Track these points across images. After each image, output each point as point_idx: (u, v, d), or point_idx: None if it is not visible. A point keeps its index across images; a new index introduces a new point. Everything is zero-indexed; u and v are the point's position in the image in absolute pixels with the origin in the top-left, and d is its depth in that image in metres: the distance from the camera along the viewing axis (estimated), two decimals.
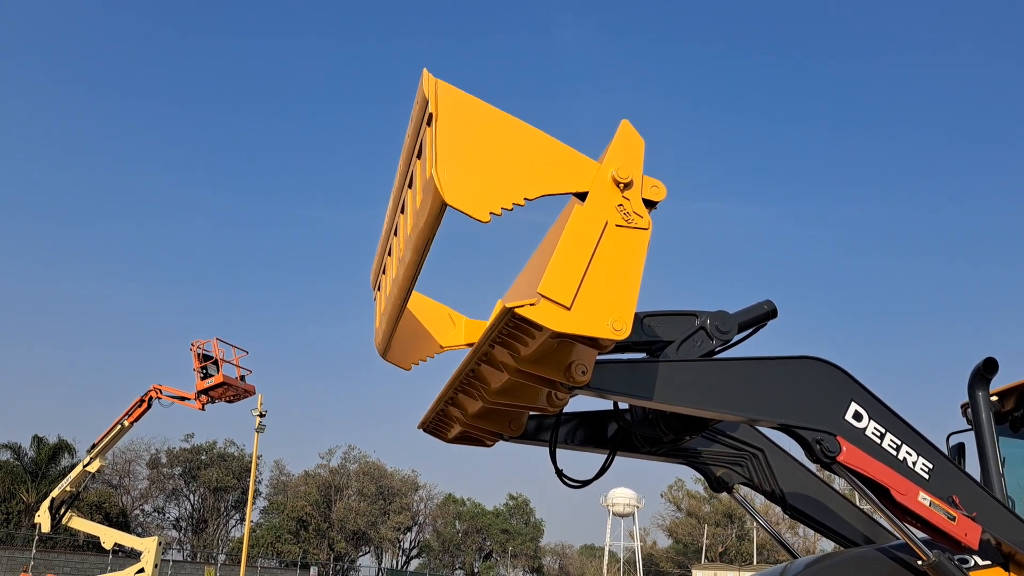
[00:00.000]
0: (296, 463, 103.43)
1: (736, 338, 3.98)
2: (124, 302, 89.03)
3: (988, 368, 5.15)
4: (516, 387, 3.58)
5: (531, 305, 3.06)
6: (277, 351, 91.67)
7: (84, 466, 24.32)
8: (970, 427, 5.45)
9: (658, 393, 3.56)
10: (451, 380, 3.82)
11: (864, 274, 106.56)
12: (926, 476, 3.99)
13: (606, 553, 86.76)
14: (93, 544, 30.45)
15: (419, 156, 3.38)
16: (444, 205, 3.03)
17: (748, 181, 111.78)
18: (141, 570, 23.52)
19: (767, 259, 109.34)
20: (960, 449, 5.90)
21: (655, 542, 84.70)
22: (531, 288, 3.30)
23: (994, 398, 5.60)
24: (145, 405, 23.98)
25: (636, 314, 3.72)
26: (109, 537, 24.86)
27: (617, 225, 3.28)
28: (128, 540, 25.57)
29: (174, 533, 59.97)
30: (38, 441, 44.76)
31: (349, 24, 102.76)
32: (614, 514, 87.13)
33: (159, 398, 24.04)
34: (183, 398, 24.11)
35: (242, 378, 24.41)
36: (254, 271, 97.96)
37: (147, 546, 23.95)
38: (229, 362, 24.30)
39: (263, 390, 37.34)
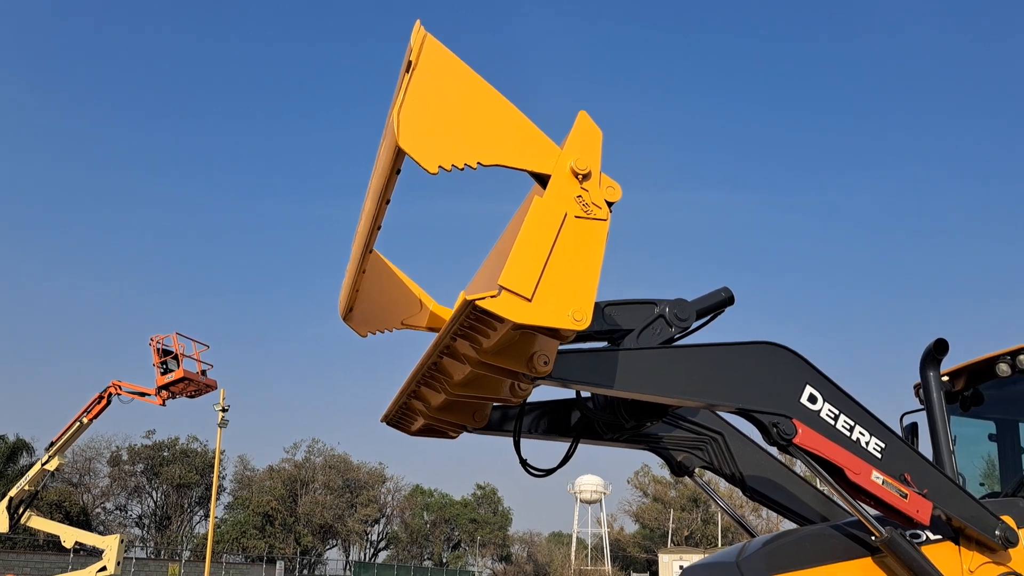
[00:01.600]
0: (260, 458, 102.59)
1: (695, 325, 4.05)
2: (82, 300, 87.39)
3: (939, 349, 5.30)
4: (479, 379, 3.61)
5: (492, 297, 3.09)
6: (238, 346, 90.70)
7: (43, 464, 23.88)
8: (923, 407, 5.60)
9: (619, 381, 3.62)
10: (413, 373, 3.84)
11: (840, 257, 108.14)
12: (879, 455, 4.10)
13: (574, 540, 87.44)
14: (54, 543, 29.98)
15: None
16: (399, 150, 3.05)
17: (724, 169, 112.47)
18: (103, 568, 23.21)
19: (743, 245, 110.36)
20: (913, 428, 6.05)
21: (622, 528, 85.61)
22: (492, 280, 3.30)
23: (945, 378, 5.75)
24: (104, 402, 23.60)
25: (596, 304, 3.75)
26: (69, 536, 24.46)
27: (576, 216, 3.30)
28: (89, 538, 25.19)
29: (137, 531, 59.26)
30: None
31: (323, 21, 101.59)
32: (581, 501, 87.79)
33: (119, 394, 23.68)
34: (143, 394, 23.79)
35: (203, 373, 24.15)
36: (212, 267, 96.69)
37: (109, 544, 23.60)
38: (190, 357, 24.03)
39: (225, 385, 37.02)
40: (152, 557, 49.46)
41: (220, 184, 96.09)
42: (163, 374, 23.43)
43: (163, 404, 23.76)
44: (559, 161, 3.34)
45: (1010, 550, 4.46)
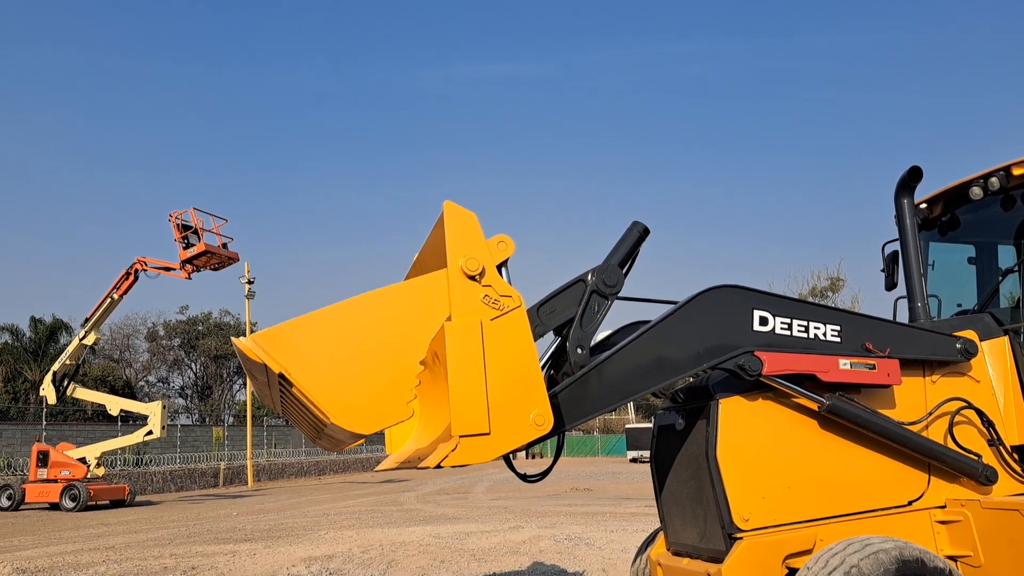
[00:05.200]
0: None
1: (624, 272, 4.12)
2: (105, 183, 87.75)
3: (912, 176, 5.35)
4: None
5: (453, 452, 3.06)
6: (260, 219, 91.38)
7: (80, 340, 24.94)
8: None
9: (603, 402, 3.78)
10: None
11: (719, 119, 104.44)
12: (838, 340, 4.29)
13: None
14: (102, 414, 31.66)
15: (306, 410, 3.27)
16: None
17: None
18: (150, 432, 24.65)
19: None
20: (895, 257, 6.17)
21: None
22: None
23: (924, 206, 5.85)
24: (132, 278, 24.32)
25: (531, 309, 3.79)
26: (114, 404, 25.84)
27: (492, 319, 3.21)
28: (133, 405, 26.58)
29: (181, 401, 62.10)
30: (35, 322, 45.49)
31: None
32: None
33: (144, 270, 24.35)
34: (168, 268, 24.43)
35: (224, 246, 24.62)
36: (231, 140, 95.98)
37: (152, 410, 24.95)
38: (209, 231, 24.46)
39: (249, 259, 37.78)
40: (197, 424, 52.05)
41: (230, 63, 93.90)
42: (185, 248, 23.96)
43: (188, 278, 24.41)
44: (450, 270, 3.22)
45: (971, 360, 4.73)
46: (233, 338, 3.12)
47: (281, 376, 2.98)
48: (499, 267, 3.43)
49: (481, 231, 3.36)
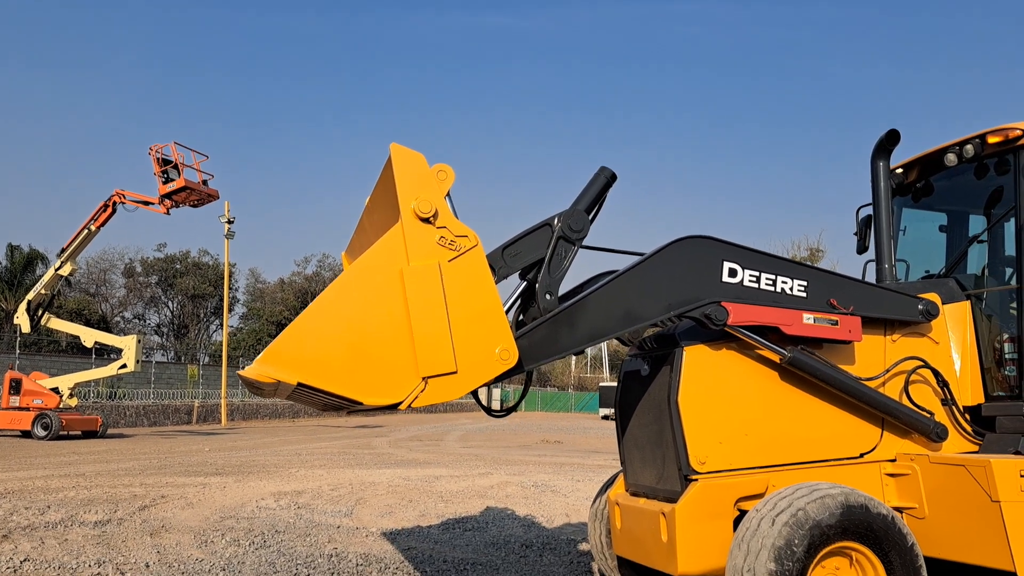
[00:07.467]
0: (271, 272, 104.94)
1: (590, 218, 4.15)
2: (86, 120, 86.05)
3: (890, 139, 5.37)
4: None
5: (421, 392, 3.11)
6: (243, 162, 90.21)
7: (56, 270, 24.72)
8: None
9: (571, 342, 3.83)
10: None
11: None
12: (804, 295, 4.38)
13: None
14: (77, 346, 31.53)
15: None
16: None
17: None
18: (123, 365, 24.61)
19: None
20: (868, 221, 6.23)
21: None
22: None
23: (899, 170, 5.90)
24: (110, 210, 24.03)
25: (495, 251, 3.83)
26: (88, 336, 25.74)
27: (450, 260, 3.23)
28: (107, 338, 26.49)
29: (156, 338, 61.83)
30: (12, 250, 44.95)
31: None
32: None
33: (123, 203, 24.05)
34: (147, 203, 24.15)
35: (204, 183, 24.33)
36: (218, 78, 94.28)
37: (127, 343, 24.90)
38: (189, 166, 24.15)
39: (230, 199, 37.40)
40: (172, 362, 51.95)
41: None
42: (164, 183, 23.66)
43: (167, 213, 24.16)
44: (403, 213, 3.19)
45: (932, 322, 4.84)
46: (239, 372, 3.17)
47: (300, 384, 3.04)
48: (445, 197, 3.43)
49: (430, 172, 3.33)
